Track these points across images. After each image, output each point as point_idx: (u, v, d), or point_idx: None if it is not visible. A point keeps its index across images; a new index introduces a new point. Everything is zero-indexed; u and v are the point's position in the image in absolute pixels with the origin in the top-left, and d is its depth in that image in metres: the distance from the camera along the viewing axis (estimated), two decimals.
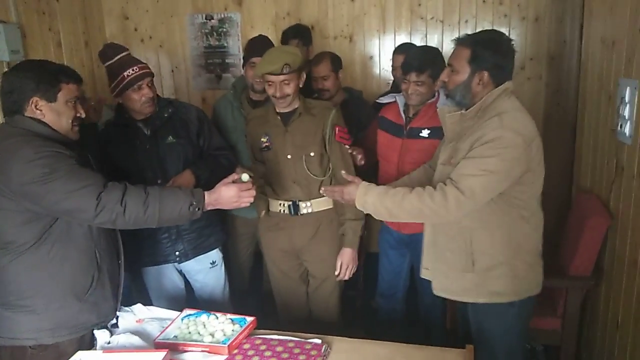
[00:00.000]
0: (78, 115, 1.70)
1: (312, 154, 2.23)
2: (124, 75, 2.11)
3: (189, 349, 1.66)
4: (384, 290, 2.70)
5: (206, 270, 2.43)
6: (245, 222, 2.77)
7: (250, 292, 2.98)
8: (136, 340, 1.71)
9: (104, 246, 1.77)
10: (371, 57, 3.58)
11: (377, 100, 2.65)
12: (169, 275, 2.40)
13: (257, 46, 2.57)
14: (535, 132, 1.77)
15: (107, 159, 2.15)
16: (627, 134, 2.11)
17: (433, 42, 3.44)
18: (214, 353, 1.64)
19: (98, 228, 1.72)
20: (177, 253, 2.32)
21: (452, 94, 1.83)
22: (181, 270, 2.44)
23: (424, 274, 2.02)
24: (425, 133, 2.32)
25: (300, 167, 2.24)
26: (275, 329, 1.81)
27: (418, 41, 3.47)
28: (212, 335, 1.71)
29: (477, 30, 2.09)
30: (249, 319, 1.79)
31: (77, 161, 1.61)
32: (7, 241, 1.60)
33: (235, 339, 1.68)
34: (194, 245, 2.34)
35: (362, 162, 2.39)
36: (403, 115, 2.40)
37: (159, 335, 1.73)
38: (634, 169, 2.07)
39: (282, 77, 2.12)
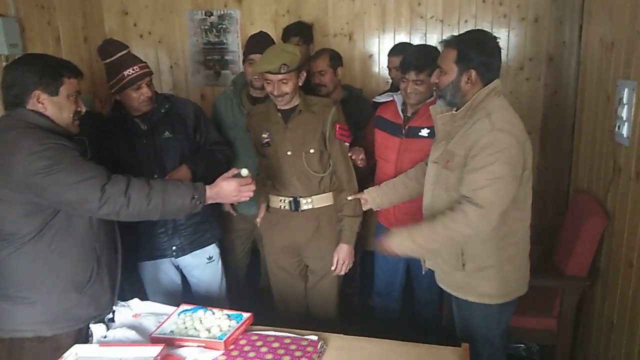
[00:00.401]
0: (78, 109, 1.71)
1: (312, 150, 2.24)
2: (123, 75, 2.11)
3: (185, 344, 1.66)
4: (381, 288, 2.71)
5: (203, 265, 2.43)
6: (242, 219, 2.77)
7: (247, 289, 2.98)
8: (132, 334, 1.71)
9: (103, 240, 1.78)
10: (370, 56, 3.58)
11: (375, 99, 2.65)
12: (165, 270, 2.40)
13: (256, 43, 2.57)
14: (525, 132, 1.81)
15: (105, 153, 2.15)
16: (625, 135, 2.12)
17: (433, 41, 3.44)
18: (211, 348, 1.64)
19: (98, 221, 1.73)
20: (173, 248, 2.33)
21: (443, 94, 1.86)
22: (178, 266, 2.44)
23: (428, 264, 2.08)
24: (424, 132, 2.32)
25: (300, 163, 2.25)
26: (271, 325, 1.81)
27: (418, 40, 3.47)
28: (209, 330, 1.71)
29: (477, 28, 2.10)
30: (246, 315, 1.80)
31: (80, 154, 1.62)
32: (7, 233, 1.61)
33: (232, 334, 1.68)
34: (190, 240, 2.35)
35: (363, 165, 2.39)
36: (401, 114, 2.40)
37: (155, 330, 1.73)
38: (631, 170, 2.08)
39: (280, 77, 2.13)
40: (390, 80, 3.30)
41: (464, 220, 1.73)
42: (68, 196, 1.55)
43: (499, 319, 1.96)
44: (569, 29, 3.29)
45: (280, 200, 2.33)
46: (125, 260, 1.95)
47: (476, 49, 1.79)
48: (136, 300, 1.91)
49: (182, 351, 1.63)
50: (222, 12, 3.64)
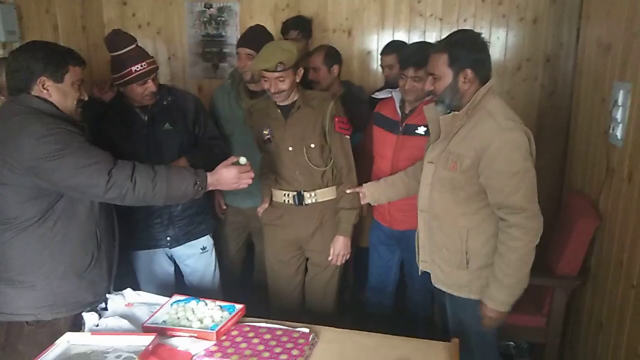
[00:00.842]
0: (81, 97, 1.74)
1: (312, 145, 2.25)
2: (131, 70, 2.10)
3: (177, 334, 1.67)
4: (374, 284, 2.72)
5: (197, 255, 2.45)
6: (237, 212, 2.78)
7: (241, 282, 2.99)
8: (125, 323, 1.71)
9: (103, 225, 1.81)
10: (369, 52, 3.58)
11: (373, 96, 2.65)
12: (159, 260, 2.41)
13: (248, 37, 2.58)
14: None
15: (104, 141, 2.15)
16: (619, 136, 2.14)
17: (431, 39, 3.43)
18: (202, 339, 1.65)
19: (99, 207, 1.76)
20: (168, 238, 2.34)
21: (442, 98, 1.86)
22: (171, 256, 2.45)
23: (423, 266, 2.08)
24: (421, 130, 2.32)
25: (302, 158, 2.27)
26: (264, 317, 1.82)
27: (416, 38, 3.48)
28: (201, 321, 1.72)
29: (459, 29, 2.11)
30: (238, 306, 1.81)
31: (86, 139, 1.65)
32: (10, 217, 1.63)
33: (224, 325, 1.69)
34: (185, 231, 2.36)
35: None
36: (399, 111, 2.41)
37: (147, 320, 1.73)
38: (624, 171, 2.10)
39: (276, 74, 2.13)
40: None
41: (522, 232, 1.75)
42: (75, 180, 1.58)
43: None
44: (567, 30, 3.30)
45: (284, 194, 2.34)
46: (119, 249, 1.96)
47: (466, 48, 1.80)
48: (129, 290, 1.91)
49: (174, 341, 1.64)
50: (221, 5, 3.63)
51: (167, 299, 1.87)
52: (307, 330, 1.70)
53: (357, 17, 3.54)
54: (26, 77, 1.64)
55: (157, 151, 2.23)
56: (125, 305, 1.86)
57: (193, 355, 1.58)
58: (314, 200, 2.32)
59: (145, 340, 1.56)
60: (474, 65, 1.80)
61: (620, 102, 2.14)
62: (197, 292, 2.21)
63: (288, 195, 2.33)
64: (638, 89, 2.00)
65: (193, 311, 1.77)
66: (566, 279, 2.45)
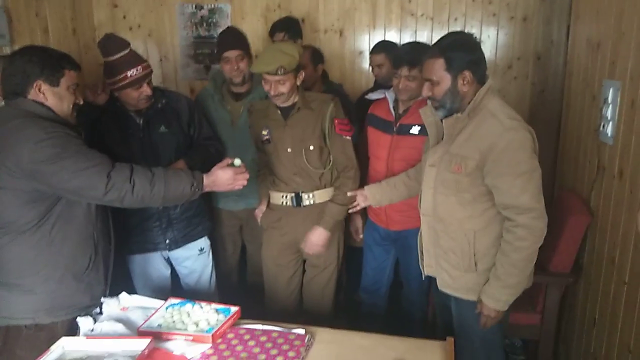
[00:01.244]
0: (77, 101, 1.76)
1: (311, 147, 2.26)
2: (126, 75, 2.09)
3: (173, 337, 1.67)
4: (368, 285, 2.71)
5: (194, 257, 2.45)
6: (230, 214, 2.77)
7: (236, 284, 2.99)
8: (120, 327, 1.71)
9: (100, 228, 1.82)
10: (361, 52, 3.59)
11: (367, 97, 2.66)
12: (154, 263, 2.41)
13: (228, 40, 2.55)
14: None
15: (99, 145, 2.14)
16: (609, 134, 2.16)
17: (423, 38, 3.46)
18: (198, 342, 1.65)
19: (97, 210, 1.77)
20: (167, 241, 2.34)
21: (442, 103, 1.84)
22: (168, 258, 2.45)
23: (427, 271, 2.06)
24: (415, 130, 2.33)
25: (300, 160, 2.27)
26: (259, 319, 1.82)
27: (408, 37, 3.49)
28: (197, 324, 1.71)
29: (449, 32, 2.10)
30: (234, 309, 1.80)
31: (83, 142, 1.66)
32: (8, 221, 1.63)
33: (219, 328, 1.69)
34: (183, 234, 2.37)
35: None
36: (393, 111, 2.41)
37: (143, 324, 1.73)
38: (614, 169, 2.12)
39: (277, 77, 2.14)
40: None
41: (529, 232, 1.75)
42: (75, 183, 1.59)
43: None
44: (557, 28, 3.32)
45: (282, 196, 2.34)
46: (115, 253, 1.96)
47: (461, 50, 1.79)
48: (124, 293, 1.91)
49: (169, 345, 1.64)
50: (212, 6, 3.62)
51: (162, 302, 1.87)
52: (302, 331, 1.70)
53: (348, 18, 3.55)
54: (22, 81, 1.65)
55: (153, 154, 2.23)
56: (120, 309, 1.85)
57: (189, 359, 1.58)
58: (312, 202, 2.32)
59: (141, 345, 1.55)
60: (471, 66, 1.79)
61: (610, 100, 2.15)
62: (194, 294, 2.21)
63: (286, 196, 2.33)
64: (627, 87, 2.02)
65: (188, 314, 1.77)
66: (559, 276, 2.47)
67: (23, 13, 2.89)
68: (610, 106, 2.15)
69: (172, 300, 1.87)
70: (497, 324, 1.94)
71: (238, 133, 2.58)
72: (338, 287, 3.08)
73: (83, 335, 1.69)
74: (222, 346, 1.64)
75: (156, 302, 1.89)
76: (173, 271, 2.51)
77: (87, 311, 1.78)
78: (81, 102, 1.79)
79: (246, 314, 1.83)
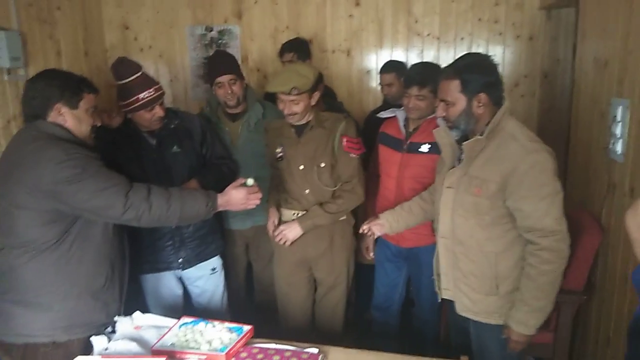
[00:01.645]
0: (95, 123, 1.81)
1: (322, 164, 2.28)
2: (138, 97, 2.13)
3: (187, 356, 1.66)
4: (380, 302, 2.70)
5: (207, 276, 2.45)
6: (239, 233, 2.78)
7: (244, 303, 2.98)
8: (134, 346, 1.70)
9: (116, 247, 1.84)
10: (368, 72, 3.64)
11: (378, 115, 2.68)
12: (167, 282, 2.41)
13: (219, 65, 2.56)
14: None
15: (114, 166, 2.16)
16: (619, 152, 2.16)
17: (429, 58, 3.50)
18: None
19: (114, 229, 1.80)
20: (180, 260, 2.34)
21: (457, 124, 1.83)
22: (180, 277, 2.45)
23: (445, 294, 2.02)
24: (425, 148, 2.34)
25: (312, 177, 2.29)
26: (271, 338, 1.82)
27: (414, 57, 3.54)
28: (210, 343, 1.71)
29: (466, 52, 2.10)
30: (246, 327, 1.80)
31: (102, 163, 1.70)
32: (28, 240, 1.65)
33: (233, 347, 1.69)
34: (197, 252, 2.37)
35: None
36: (403, 130, 2.44)
37: (156, 343, 1.73)
38: (625, 186, 2.12)
39: (291, 97, 2.18)
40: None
41: (554, 255, 1.73)
42: (94, 202, 1.63)
43: None
44: (563, 46, 3.36)
45: (294, 214, 2.36)
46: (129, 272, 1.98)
47: (478, 73, 1.77)
48: (138, 312, 1.91)
49: None
50: (222, 28, 3.69)
51: (175, 321, 1.87)
52: (316, 350, 1.70)
53: (355, 38, 3.60)
54: (43, 103, 1.70)
55: (167, 174, 2.25)
56: (134, 328, 1.85)
57: None
58: None
59: None
60: (487, 88, 1.77)
61: (619, 118, 2.16)
62: (205, 313, 2.20)
63: (297, 214, 2.34)
64: (636, 105, 2.03)
65: (201, 333, 1.77)
66: (572, 294, 2.44)
67: (37, 36, 2.95)
68: (620, 124, 2.15)
69: (185, 319, 1.87)
70: None
71: (238, 153, 2.60)
72: (347, 304, 3.08)
73: (97, 355, 1.69)
74: None
75: (169, 321, 1.89)
76: (185, 289, 2.50)
77: (102, 329, 1.79)
78: (99, 124, 1.84)
79: (257, 333, 1.83)
